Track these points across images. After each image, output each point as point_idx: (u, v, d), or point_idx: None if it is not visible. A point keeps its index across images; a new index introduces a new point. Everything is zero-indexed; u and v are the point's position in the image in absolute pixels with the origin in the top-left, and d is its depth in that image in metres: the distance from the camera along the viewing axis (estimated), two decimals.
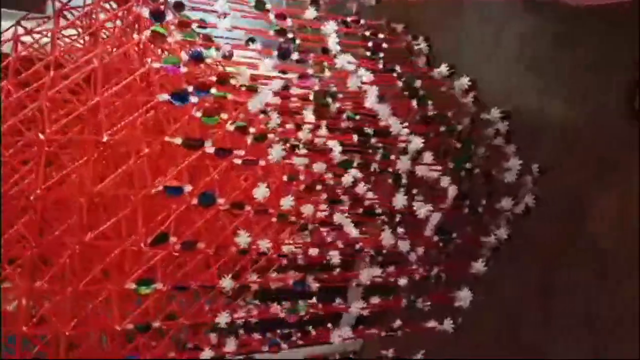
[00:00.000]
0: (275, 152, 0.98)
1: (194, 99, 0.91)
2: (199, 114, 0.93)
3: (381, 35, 1.38)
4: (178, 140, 0.90)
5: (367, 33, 1.37)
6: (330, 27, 1.20)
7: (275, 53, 1.15)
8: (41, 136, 0.85)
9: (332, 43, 1.19)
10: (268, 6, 1.21)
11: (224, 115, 0.97)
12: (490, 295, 1.49)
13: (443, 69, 1.35)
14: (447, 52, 1.43)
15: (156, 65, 0.94)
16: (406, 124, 1.23)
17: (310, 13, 1.22)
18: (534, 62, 1.62)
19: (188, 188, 0.93)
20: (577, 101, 1.57)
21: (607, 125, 1.53)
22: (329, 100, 1.17)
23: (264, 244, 1.03)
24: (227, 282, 1.01)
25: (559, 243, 1.61)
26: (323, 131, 1.15)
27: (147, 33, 0.94)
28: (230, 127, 0.97)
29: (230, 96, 1.02)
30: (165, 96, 0.90)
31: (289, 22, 1.20)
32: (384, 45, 1.37)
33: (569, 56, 1.56)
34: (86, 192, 0.91)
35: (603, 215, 1.54)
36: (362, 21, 1.39)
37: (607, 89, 1.53)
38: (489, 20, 1.67)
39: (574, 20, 1.50)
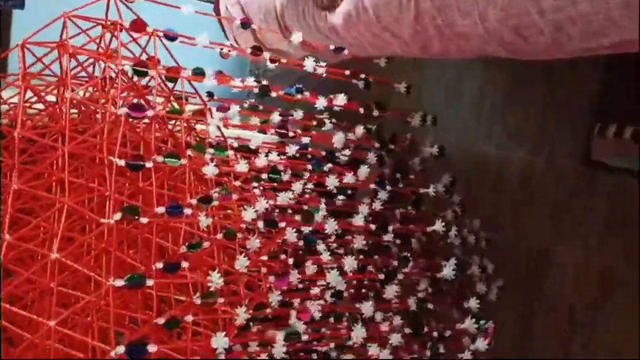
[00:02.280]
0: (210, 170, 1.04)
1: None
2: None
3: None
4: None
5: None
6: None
7: None
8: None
9: None
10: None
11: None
12: None
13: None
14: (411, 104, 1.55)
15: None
16: None
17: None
18: (491, 113, 1.73)
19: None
20: (535, 150, 1.65)
21: (563, 174, 1.60)
22: None
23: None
24: None
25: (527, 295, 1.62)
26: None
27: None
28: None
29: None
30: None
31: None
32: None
33: (524, 105, 1.67)
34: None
35: (563, 263, 1.56)
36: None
37: (564, 140, 1.62)
38: (449, 74, 1.82)
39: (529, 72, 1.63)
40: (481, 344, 1.24)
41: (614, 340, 1.48)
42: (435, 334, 1.34)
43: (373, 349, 1.13)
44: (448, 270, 1.23)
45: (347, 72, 1.30)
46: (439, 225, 1.29)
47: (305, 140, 1.30)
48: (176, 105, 1.14)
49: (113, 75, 1.12)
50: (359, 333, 1.09)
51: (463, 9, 1.01)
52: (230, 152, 1.23)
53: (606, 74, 1.50)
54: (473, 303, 1.28)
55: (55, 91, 1.13)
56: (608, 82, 1.50)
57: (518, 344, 1.65)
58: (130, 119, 1.01)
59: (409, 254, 1.30)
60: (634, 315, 1.44)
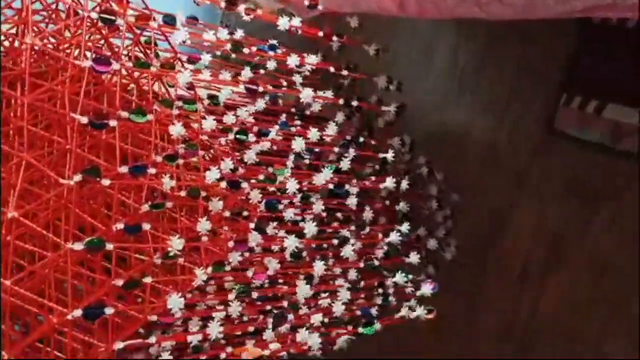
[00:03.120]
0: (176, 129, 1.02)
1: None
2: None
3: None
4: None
5: None
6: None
7: None
8: None
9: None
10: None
11: None
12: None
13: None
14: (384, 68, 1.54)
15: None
16: None
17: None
18: (461, 79, 1.73)
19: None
20: (501, 115, 1.68)
21: (527, 139, 1.64)
22: None
23: None
24: None
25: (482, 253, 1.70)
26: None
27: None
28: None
29: None
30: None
31: None
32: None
33: (495, 72, 1.68)
34: None
35: (519, 227, 1.63)
36: None
37: (531, 107, 1.65)
38: (420, 38, 1.80)
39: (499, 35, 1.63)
40: (427, 288, 1.28)
41: (562, 301, 1.59)
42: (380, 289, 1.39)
43: (323, 302, 1.17)
44: (394, 236, 1.27)
45: (321, 33, 1.27)
46: (389, 182, 1.31)
47: (276, 94, 1.28)
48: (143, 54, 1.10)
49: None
50: (303, 290, 1.13)
51: None
52: (200, 107, 1.21)
53: (579, 46, 1.52)
54: (414, 258, 1.33)
55: (13, 30, 1.07)
56: (580, 54, 1.52)
57: (469, 298, 1.74)
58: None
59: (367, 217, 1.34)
60: (582, 276, 1.54)
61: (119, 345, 0.89)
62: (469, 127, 1.74)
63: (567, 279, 1.62)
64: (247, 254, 1.12)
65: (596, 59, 1.47)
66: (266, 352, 1.09)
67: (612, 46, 1.45)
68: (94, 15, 1.00)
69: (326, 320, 1.20)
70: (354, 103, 1.36)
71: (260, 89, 1.23)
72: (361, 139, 1.39)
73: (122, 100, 1.06)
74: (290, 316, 1.21)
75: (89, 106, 0.98)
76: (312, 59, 1.25)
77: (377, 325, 1.21)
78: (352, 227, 1.35)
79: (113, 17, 1.01)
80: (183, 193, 1.06)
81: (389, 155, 1.34)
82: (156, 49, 1.18)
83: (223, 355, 1.11)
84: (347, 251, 1.26)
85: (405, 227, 1.34)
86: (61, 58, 1.04)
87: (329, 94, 1.29)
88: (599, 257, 1.56)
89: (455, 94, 1.75)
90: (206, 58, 1.26)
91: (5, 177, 0.95)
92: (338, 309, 1.22)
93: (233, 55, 1.35)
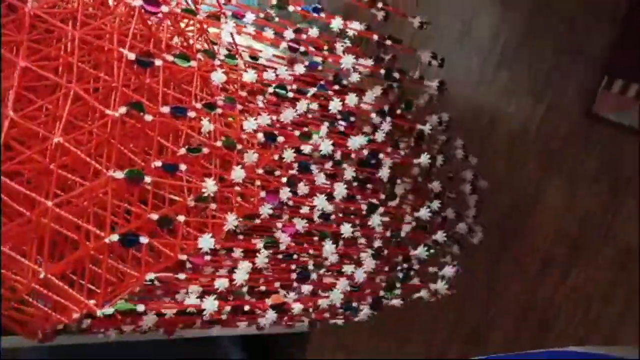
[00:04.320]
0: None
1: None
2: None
3: None
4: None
5: None
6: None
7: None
8: None
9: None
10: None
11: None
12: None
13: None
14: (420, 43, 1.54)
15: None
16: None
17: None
18: (501, 55, 1.72)
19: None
20: (539, 95, 1.66)
21: (562, 122, 1.63)
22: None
23: None
24: None
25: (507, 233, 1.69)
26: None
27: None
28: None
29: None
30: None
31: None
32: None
33: (536, 49, 1.66)
34: None
35: (547, 209, 1.62)
36: None
37: (570, 89, 1.63)
38: (461, 11, 1.78)
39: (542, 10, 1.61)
40: (449, 271, 1.28)
41: (585, 283, 1.57)
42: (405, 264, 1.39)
43: (347, 268, 1.18)
44: (424, 211, 1.27)
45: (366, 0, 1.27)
46: (424, 159, 1.31)
47: (316, 59, 1.28)
48: (192, 4, 1.12)
49: None
50: (329, 248, 1.14)
51: None
52: (240, 62, 1.23)
53: (624, 29, 1.49)
54: (440, 235, 1.32)
55: None
56: (624, 38, 1.50)
57: (491, 279, 1.73)
58: (144, 12, 0.99)
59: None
60: (606, 260, 1.52)
61: (150, 276, 0.90)
62: (504, 106, 1.73)
63: (590, 265, 1.60)
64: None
65: None
66: (289, 299, 1.10)
67: None
68: None
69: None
70: (395, 75, 1.36)
71: (302, 48, 1.24)
72: (398, 112, 1.39)
73: (168, 46, 1.08)
74: (314, 275, 1.23)
75: (135, 47, 1.00)
76: (356, 25, 1.25)
77: (398, 291, 1.22)
78: (382, 196, 1.35)
79: None
80: (219, 143, 1.08)
81: (426, 128, 1.34)
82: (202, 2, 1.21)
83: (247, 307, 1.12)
84: (376, 220, 1.27)
85: (435, 204, 1.33)
86: None
87: (369, 62, 1.29)
88: (623, 245, 1.53)
89: (493, 70, 1.73)
90: (250, 17, 1.28)
91: (51, 109, 0.97)
92: (359, 275, 1.23)
93: (276, 19, 1.36)
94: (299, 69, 1.29)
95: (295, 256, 1.26)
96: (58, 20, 1.00)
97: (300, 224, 1.18)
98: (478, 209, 1.65)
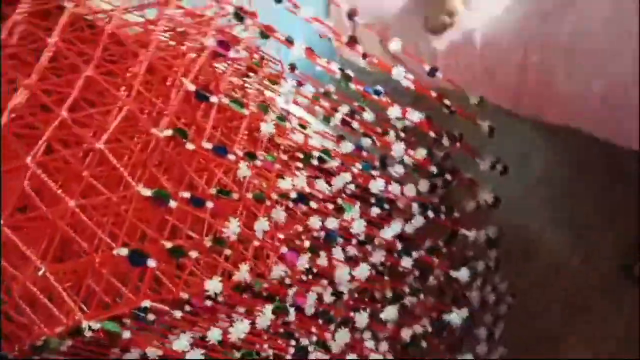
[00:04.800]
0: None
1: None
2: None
3: None
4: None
5: None
6: None
7: None
8: None
9: None
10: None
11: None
12: None
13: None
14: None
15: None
16: None
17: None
18: (550, 189, 1.68)
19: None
20: (575, 243, 1.61)
21: (596, 275, 1.55)
22: None
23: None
24: None
25: None
26: None
27: None
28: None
29: None
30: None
31: None
32: None
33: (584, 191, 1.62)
34: None
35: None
36: None
37: (611, 244, 1.57)
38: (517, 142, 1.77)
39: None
40: None
41: None
42: None
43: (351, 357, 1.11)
44: (456, 316, 1.19)
45: (434, 93, 1.27)
46: (464, 273, 1.25)
47: (366, 141, 1.29)
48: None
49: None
50: (342, 336, 1.07)
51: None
52: (289, 125, 1.24)
53: None
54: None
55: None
56: None
57: None
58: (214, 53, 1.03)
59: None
60: None
61: (145, 303, 0.86)
62: (539, 243, 1.68)
63: None
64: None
65: None
66: None
67: None
68: (230, 8, 1.08)
69: None
70: (447, 176, 1.33)
71: (355, 124, 1.25)
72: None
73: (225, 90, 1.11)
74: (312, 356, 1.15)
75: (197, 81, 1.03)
76: (416, 115, 1.24)
77: None
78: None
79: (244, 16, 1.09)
80: (250, 195, 1.06)
81: (472, 234, 1.30)
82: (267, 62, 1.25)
83: None
84: (391, 312, 1.20)
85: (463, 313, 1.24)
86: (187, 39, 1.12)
87: (421, 154, 1.27)
88: None
89: (535, 204, 1.70)
90: (309, 88, 1.31)
91: (100, 119, 0.99)
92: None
93: (334, 96, 1.38)
94: (346, 147, 1.29)
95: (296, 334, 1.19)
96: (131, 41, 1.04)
97: (311, 299, 1.12)
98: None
